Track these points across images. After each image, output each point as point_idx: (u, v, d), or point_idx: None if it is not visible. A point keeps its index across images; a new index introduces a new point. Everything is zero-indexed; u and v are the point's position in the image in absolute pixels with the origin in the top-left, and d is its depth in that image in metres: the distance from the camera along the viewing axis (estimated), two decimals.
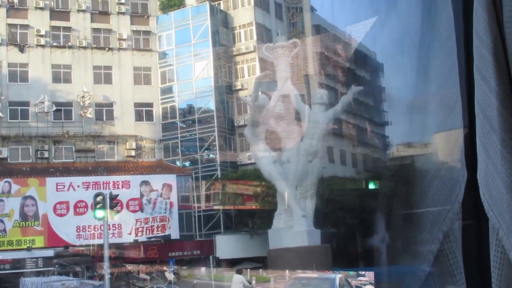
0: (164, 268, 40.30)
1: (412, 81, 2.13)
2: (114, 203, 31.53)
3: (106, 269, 31.84)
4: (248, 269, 37.11)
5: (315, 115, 29.05)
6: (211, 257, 41.52)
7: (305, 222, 28.92)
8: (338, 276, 25.51)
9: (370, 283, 25.91)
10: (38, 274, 37.02)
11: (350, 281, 24.40)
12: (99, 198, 29.82)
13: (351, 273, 30.48)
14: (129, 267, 41.40)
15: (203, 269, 40.77)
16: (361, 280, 27.14)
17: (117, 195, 33.83)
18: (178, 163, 48.65)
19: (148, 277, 40.46)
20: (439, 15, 1.65)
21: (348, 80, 45.12)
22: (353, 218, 41.29)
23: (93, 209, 31.42)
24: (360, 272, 29.88)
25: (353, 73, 53.56)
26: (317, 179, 30.57)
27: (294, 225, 29.07)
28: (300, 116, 30.50)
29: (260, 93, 31.04)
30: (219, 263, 41.98)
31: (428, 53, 1.82)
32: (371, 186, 43.83)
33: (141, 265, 41.16)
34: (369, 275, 26.86)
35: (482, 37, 1.31)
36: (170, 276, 38.95)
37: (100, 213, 29.90)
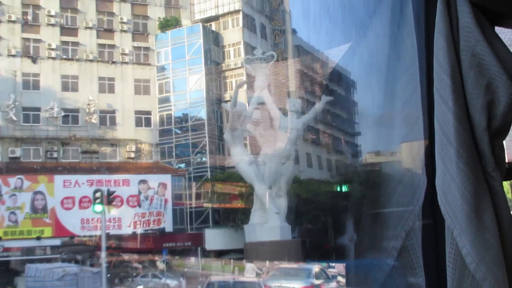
0: (156, 258, 40.48)
1: (380, 98, 2.14)
2: (111, 198, 31.62)
3: (103, 258, 31.99)
4: (232, 260, 37.45)
5: (288, 121, 28.90)
6: (199, 249, 41.70)
7: (278, 218, 28.64)
8: (315, 266, 25.54)
9: (339, 274, 25.87)
10: (45, 261, 37.06)
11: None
12: (97, 194, 30.05)
13: (324, 264, 30.57)
14: (125, 256, 41.52)
15: (192, 259, 41.02)
16: (330, 272, 27.21)
17: (114, 192, 34.04)
18: (173, 164, 48.74)
19: (140, 266, 40.57)
20: (404, 43, 1.65)
21: (322, 93, 45.42)
22: (326, 216, 41.57)
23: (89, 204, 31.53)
24: (330, 264, 29.93)
25: (328, 88, 54.04)
26: (290, 180, 30.25)
27: (268, 220, 28.98)
28: (275, 122, 30.40)
29: (238, 100, 30.90)
30: (207, 254, 42.09)
31: (395, 75, 1.81)
32: (344, 188, 44.32)
33: (134, 255, 41.31)
34: (338, 267, 26.77)
35: (441, 62, 1.33)
36: (161, 265, 39.16)
37: (98, 207, 30.16)
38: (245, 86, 38.26)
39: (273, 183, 29.02)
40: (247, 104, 32.28)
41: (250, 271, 26.66)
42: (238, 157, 28.94)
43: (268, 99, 29.72)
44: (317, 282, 23.25)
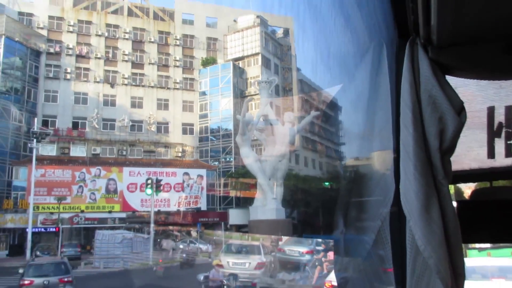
0: (192, 229, 40.30)
1: (362, 122, 2.15)
2: (158, 184, 31.51)
3: (151, 227, 31.88)
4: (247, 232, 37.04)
5: (284, 129, 28.40)
6: (222, 223, 41.51)
7: (275, 202, 27.95)
8: (315, 239, 24.72)
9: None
10: (114, 229, 37.16)
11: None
12: (149, 181, 30.04)
13: (318, 239, 29.68)
14: (170, 227, 41.51)
15: (219, 231, 40.74)
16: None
17: (161, 180, 33.94)
18: (208, 162, 48.51)
19: (178, 234, 40.47)
20: (380, 86, 1.66)
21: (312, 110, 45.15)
22: (318, 202, 41.15)
23: (144, 188, 31.53)
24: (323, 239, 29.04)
25: (320, 110, 53.71)
26: (284, 174, 29.58)
27: (267, 204, 28.23)
28: (274, 130, 29.94)
29: (247, 112, 30.49)
30: (230, 227, 41.89)
31: (374, 110, 1.82)
32: (331, 182, 43.75)
33: (174, 226, 41.28)
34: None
35: (406, 101, 1.33)
36: (194, 234, 38.96)
37: (149, 191, 30.14)
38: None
39: (271, 176, 28.43)
40: (254, 115, 31.93)
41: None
42: (246, 155, 28.40)
43: (270, 112, 29.35)
44: (318, 248, 22.56)
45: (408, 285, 1.31)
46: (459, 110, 1.30)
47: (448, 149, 1.32)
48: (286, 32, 56.31)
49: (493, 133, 1.77)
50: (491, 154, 1.80)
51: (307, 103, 50.91)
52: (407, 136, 1.32)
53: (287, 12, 57.65)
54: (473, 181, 2.07)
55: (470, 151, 1.82)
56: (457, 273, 1.29)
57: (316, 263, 19.01)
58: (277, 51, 53.73)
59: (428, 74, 1.32)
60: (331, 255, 20.49)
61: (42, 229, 37.56)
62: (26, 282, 15.52)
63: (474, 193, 1.81)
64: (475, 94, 1.73)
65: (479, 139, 1.80)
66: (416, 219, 1.26)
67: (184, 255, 28.21)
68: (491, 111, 1.75)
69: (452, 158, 1.34)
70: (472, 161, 1.85)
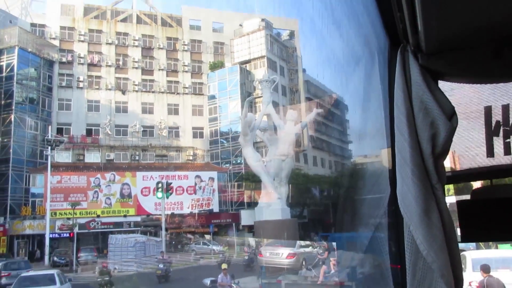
0: (205, 230, 39.85)
1: (357, 128, 2.30)
2: (168, 188, 30.95)
3: (163, 230, 31.49)
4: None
5: (287, 128, 27.16)
6: (233, 225, 41.07)
7: (279, 202, 26.67)
8: (299, 241, 23.93)
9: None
10: (130, 233, 36.92)
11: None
12: (159, 185, 29.63)
13: (324, 236, 28.92)
14: (184, 229, 41.23)
15: (231, 232, 40.30)
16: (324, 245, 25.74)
17: (171, 183, 33.42)
18: (219, 164, 48.13)
19: (192, 237, 40.17)
20: (374, 93, 1.62)
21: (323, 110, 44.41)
22: (328, 200, 40.65)
23: (155, 192, 31.10)
24: (328, 235, 28.34)
25: (328, 110, 53.15)
26: (289, 173, 28.40)
27: (272, 204, 27.05)
28: (277, 129, 29.07)
29: (248, 112, 29.36)
30: (242, 228, 41.52)
31: (366, 117, 1.81)
32: (339, 180, 43.19)
33: (191, 228, 40.92)
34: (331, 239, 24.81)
35: (399, 107, 1.32)
36: (208, 236, 38.59)
37: (159, 194, 29.75)
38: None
39: (276, 175, 27.42)
40: (255, 116, 31.16)
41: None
42: (249, 156, 27.51)
43: (272, 111, 28.42)
44: (300, 250, 21.60)
45: None
46: (450, 115, 1.29)
47: (441, 153, 1.30)
48: (292, 34, 55.78)
49: (491, 132, 1.74)
50: (490, 152, 1.77)
51: (310, 102, 50.47)
52: (403, 142, 1.30)
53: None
54: (473, 180, 2.04)
55: (469, 151, 1.81)
56: (456, 278, 1.24)
57: (320, 263, 18.67)
58: (282, 53, 53.25)
59: (419, 80, 1.31)
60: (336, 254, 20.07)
61: (60, 235, 37.47)
62: None
63: (475, 192, 1.78)
64: (471, 95, 1.73)
65: (477, 138, 1.78)
66: (417, 224, 1.23)
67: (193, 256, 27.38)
68: (488, 110, 1.73)
69: (451, 158, 1.34)
70: (472, 160, 1.82)
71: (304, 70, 54.95)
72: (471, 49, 1.33)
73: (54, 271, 17.51)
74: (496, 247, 13.64)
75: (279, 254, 20.88)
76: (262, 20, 50.96)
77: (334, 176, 51.36)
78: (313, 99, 51.64)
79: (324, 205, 42.71)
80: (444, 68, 1.39)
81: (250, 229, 39.93)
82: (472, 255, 11.11)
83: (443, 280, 1.19)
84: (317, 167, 51.98)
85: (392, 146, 1.40)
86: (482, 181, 2.01)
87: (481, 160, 1.81)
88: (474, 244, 13.72)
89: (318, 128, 51.46)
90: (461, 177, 1.93)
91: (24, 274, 17.41)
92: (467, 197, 1.75)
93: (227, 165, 47.46)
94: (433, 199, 1.26)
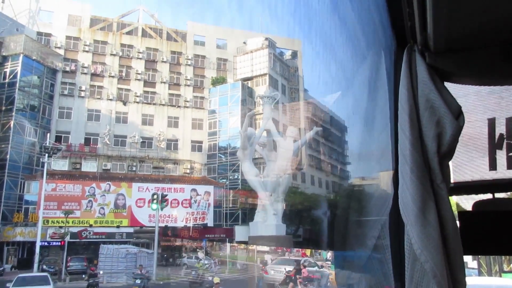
0: (198, 245, 39.15)
1: (362, 136, 2.10)
2: (163, 200, 30.58)
3: (155, 242, 30.94)
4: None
5: (286, 144, 27.03)
6: (227, 240, 40.30)
7: (275, 218, 26.42)
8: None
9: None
10: (122, 243, 36.15)
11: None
12: (154, 196, 29.22)
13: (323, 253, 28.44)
14: (177, 242, 40.52)
15: (224, 247, 39.56)
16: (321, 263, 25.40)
17: (166, 195, 33.04)
18: (216, 179, 47.59)
19: (185, 250, 39.49)
20: (379, 92, 1.62)
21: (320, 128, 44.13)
22: (324, 218, 39.91)
23: (150, 203, 30.68)
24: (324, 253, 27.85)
25: (326, 129, 52.93)
26: (286, 189, 28.05)
27: (268, 220, 26.72)
28: (276, 145, 28.63)
29: (249, 126, 29.26)
30: (236, 243, 40.74)
31: (373, 115, 1.78)
32: (337, 200, 42.53)
33: (184, 241, 40.23)
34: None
35: (403, 105, 1.29)
36: (201, 250, 37.86)
37: (154, 206, 29.30)
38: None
39: (272, 191, 26.97)
40: (255, 131, 30.86)
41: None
42: (247, 170, 27.16)
43: (272, 126, 28.28)
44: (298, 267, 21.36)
45: None
46: (457, 114, 1.26)
47: (447, 153, 1.27)
48: (294, 54, 55.95)
49: (494, 144, 1.71)
50: (492, 165, 1.73)
51: (310, 120, 50.17)
52: (404, 140, 1.29)
53: (292, 32, 57.44)
54: (475, 193, 1.94)
55: (471, 162, 1.75)
56: (456, 280, 1.22)
57: (287, 280, 18.70)
58: (284, 72, 53.30)
59: (426, 79, 1.29)
60: (305, 271, 19.94)
61: (51, 243, 36.68)
62: None
63: (476, 204, 1.70)
64: (475, 104, 1.68)
65: (479, 149, 1.73)
66: (412, 222, 1.21)
67: (193, 273, 26.74)
68: (492, 122, 1.70)
69: (453, 169, 1.29)
70: (474, 172, 1.77)
71: (305, 90, 54.92)
72: (480, 49, 1.30)
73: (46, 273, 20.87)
74: (500, 276, 13.03)
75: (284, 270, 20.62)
76: (266, 39, 51.19)
77: (331, 196, 50.73)
78: (309, 116, 51.41)
79: (320, 224, 41.99)
80: (452, 68, 1.35)
81: (245, 244, 39.21)
82: (470, 281, 10.44)
83: (435, 280, 1.14)
84: (314, 186, 51.44)
85: (397, 148, 1.35)
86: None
87: (483, 172, 1.76)
88: (476, 271, 13.39)
89: (316, 147, 51.10)
90: (463, 189, 1.90)
91: (22, 275, 19.84)
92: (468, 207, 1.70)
93: (224, 180, 46.90)
94: (432, 199, 1.22)
